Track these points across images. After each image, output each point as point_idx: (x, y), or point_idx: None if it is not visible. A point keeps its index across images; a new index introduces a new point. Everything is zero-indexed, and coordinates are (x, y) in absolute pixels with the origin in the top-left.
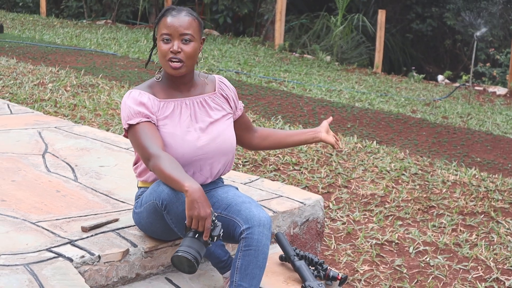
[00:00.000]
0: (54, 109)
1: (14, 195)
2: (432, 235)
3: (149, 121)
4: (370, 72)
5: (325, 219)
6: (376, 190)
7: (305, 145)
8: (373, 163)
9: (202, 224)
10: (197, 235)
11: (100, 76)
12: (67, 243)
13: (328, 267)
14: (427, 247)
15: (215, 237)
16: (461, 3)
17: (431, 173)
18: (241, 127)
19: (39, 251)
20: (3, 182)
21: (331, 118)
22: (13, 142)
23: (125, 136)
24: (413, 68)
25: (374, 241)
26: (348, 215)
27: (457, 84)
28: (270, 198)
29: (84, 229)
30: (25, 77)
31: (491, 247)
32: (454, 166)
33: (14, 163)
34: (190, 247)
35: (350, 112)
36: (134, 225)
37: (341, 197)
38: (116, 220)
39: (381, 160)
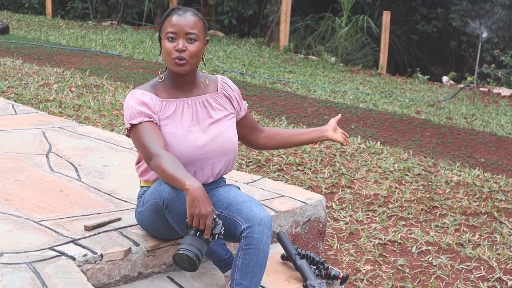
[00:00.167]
0: (59, 110)
1: (18, 194)
2: (435, 235)
3: (151, 121)
4: (374, 73)
5: (328, 219)
6: (379, 191)
7: (309, 145)
8: (376, 164)
9: (203, 222)
10: (198, 233)
11: (105, 77)
12: (69, 242)
13: (330, 266)
14: (429, 247)
15: (216, 235)
16: (467, 4)
17: (435, 173)
18: (246, 127)
19: (42, 249)
20: (7, 181)
21: (339, 115)
22: (17, 142)
23: (128, 135)
24: (418, 69)
25: (376, 241)
26: (351, 215)
27: (461, 85)
28: (272, 198)
29: (87, 228)
30: (30, 77)
31: (494, 247)
32: (457, 166)
33: (18, 163)
34: (192, 245)
35: (354, 113)
36: (137, 224)
37: (344, 197)
38: (119, 219)
39: (384, 160)
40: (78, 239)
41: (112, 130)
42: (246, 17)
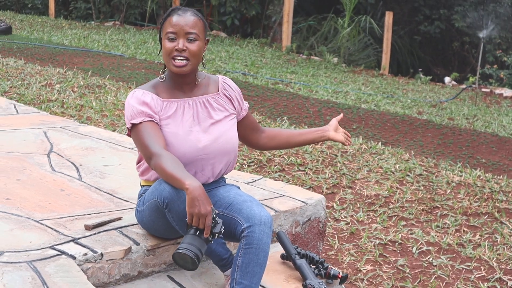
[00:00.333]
0: (61, 110)
1: (19, 194)
2: (435, 235)
3: (152, 121)
4: (377, 73)
5: (328, 218)
6: (381, 191)
7: (310, 146)
8: (378, 164)
9: (203, 221)
10: (198, 232)
11: (107, 77)
12: (70, 241)
13: (329, 266)
14: (430, 247)
15: (216, 234)
16: (469, 5)
17: (436, 174)
18: (247, 127)
19: (43, 248)
20: (8, 181)
21: (341, 115)
22: (19, 141)
23: (128, 135)
24: (420, 70)
25: (377, 241)
26: (352, 216)
27: (463, 86)
28: (273, 198)
29: (88, 227)
30: (33, 78)
31: (495, 247)
32: (459, 167)
33: (19, 162)
34: (191, 244)
35: (356, 114)
36: (137, 224)
37: (345, 198)
38: (119, 218)
39: (386, 161)
40: (79, 238)
41: (114, 130)
42: (249, 18)
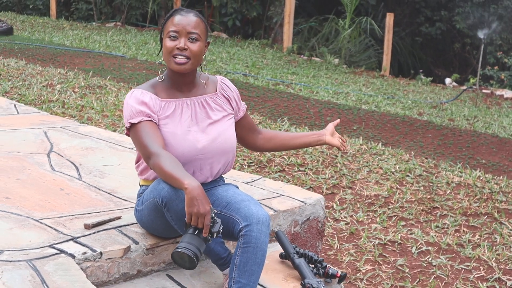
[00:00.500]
0: (62, 110)
1: (19, 193)
2: (435, 235)
3: (151, 120)
4: (377, 75)
5: (328, 218)
6: (380, 191)
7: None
8: (378, 165)
9: (202, 221)
10: (196, 231)
11: (108, 77)
12: (69, 239)
13: (328, 265)
14: (429, 247)
15: (215, 234)
16: (470, 6)
17: (436, 174)
18: (244, 127)
19: (42, 247)
20: (8, 180)
21: (338, 120)
22: (19, 141)
23: (127, 134)
24: (421, 71)
25: (377, 241)
26: (351, 216)
27: (464, 87)
28: (272, 197)
29: (87, 227)
30: (34, 78)
31: (494, 247)
32: (459, 167)
33: (19, 162)
34: (190, 243)
35: (356, 114)
36: (136, 223)
37: (345, 198)
38: (119, 217)
39: (386, 161)
40: (78, 237)
41: (114, 131)
42: (250, 19)
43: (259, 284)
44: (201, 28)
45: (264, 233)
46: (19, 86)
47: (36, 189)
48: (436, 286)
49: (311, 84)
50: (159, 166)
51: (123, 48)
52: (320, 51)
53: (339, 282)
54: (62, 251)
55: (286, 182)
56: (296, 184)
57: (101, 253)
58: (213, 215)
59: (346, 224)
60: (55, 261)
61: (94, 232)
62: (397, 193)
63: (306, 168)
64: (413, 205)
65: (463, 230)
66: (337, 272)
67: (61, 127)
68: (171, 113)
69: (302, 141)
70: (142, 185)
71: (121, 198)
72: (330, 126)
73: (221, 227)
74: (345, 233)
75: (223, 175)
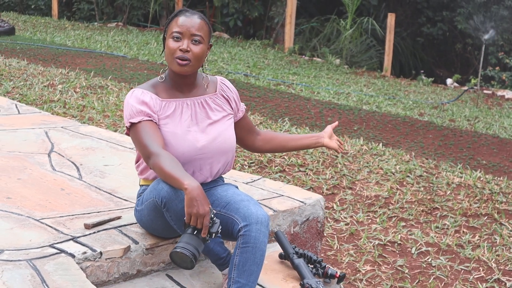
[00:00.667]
0: (63, 110)
1: (19, 193)
2: (434, 236)
3: (151, 120)
4: (379, 75)
5: (328, 218)
6: (381, 192)
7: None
8: (378, 165)
9: (201, 221)
10: (195, 231)
11: (109, 78)
12: (69, 239)
13: (327, 265)
14: (429, 248)
15: (214, 234)
16: (472, 7)
17: (436, 175)
18: (243, 128)
19: (42, 247)
20: (9, 180)
21: (336, 123)
22: (20, 141)
23: (127, 134)
24: (422, 71)
25: (376, 242)
26: (351, 216)
27: (465, 88)
28: (271, 198)
29: (87, 226)
30: (35, 78)
31: (494, 248)
32: (459, 168)
33: (20, 162)
34: (188, 244)
35: (357, 115)
36: (136, 223)
37: (345, 198)
38: (119, 217)
39: (386, 162)
40: (78, 237)
41: (115, 131)
42: (252, 19)
43: (258, 284)
44: (204, 31)
45: (263, 233)
46: (21, 86)
47: (36, 189)
48: (436, 287)
49: (312, 84)
50: (159, 166)
51: (124, 48)
52: (321, 52)
53: (338, 283)
54: (62, 251)
55: (287, 183)
56: (296, 185)
57: (101, 253)
58: (212, 215)
59: (346, 224)
60: (55, 260)
61: (94, 232)
62: (397, 193)
63: (306, 169)
64: (413, 206)
65: (463, 231)
66: (336, 272)
67: (62, 127)
68: (171, 113)
69: (300, 143)
70: (142, 185)
71: (121, 198)
72: (329, 128)
73: (220, 227)
74: (345, 234)
75: (223, 175)
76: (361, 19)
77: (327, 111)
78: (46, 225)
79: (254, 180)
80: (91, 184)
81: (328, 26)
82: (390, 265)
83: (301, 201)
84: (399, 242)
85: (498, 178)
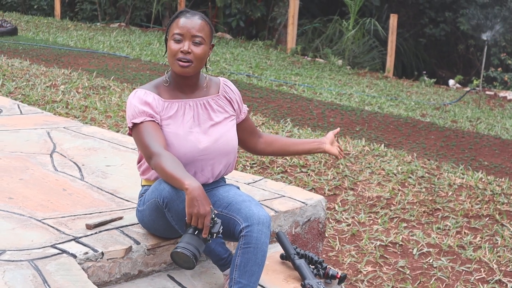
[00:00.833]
0: (66, 111)
1: (21, 193)
2: (436, 237)
3: (153, 121)
4: (381, 76)
5: (329, 219)
6: (382, 193)
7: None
8: (380, 166)
9: (202, 221)
10: (196, 232)
11: (112, 78)
12: (71, 240)
13: (328, 266)
14: (430, 249)
15: (215, 234)
16: (474, 8)
17: (438, 176)
18: (245, 130)
19: (44, 247)
20: (11, 180)
21: (338, 129)
22: (22, 141)
23: (129, 134)
24: (424, 72)
25: (378, 243)
26: (353, 217)
27: (468, 89)
28: (273, 198)
29: (89, 227)
30: (38, 78)
31: (495, 249)
32: (461, 169)
33: (22, 162)
34: (189, 244)
35: (359, 116)
36: (138, 223)
37: (347, 199)
38: (120, 218)
39: (388, 163)
40: (80, 237)
41: (117, 131)
42: (254, 20)
43: (259, 285)
44: (205, 31)
45: (264, 233)
46: (23, 86)
47: (38, 189)
48: None
49: (315, 85)
50: (160, 166)
51: (127, 48)
52: (324, 52)
53: (339, 283)
54: (64, 251)
55: (288, 183)
56: (298, 185)
57: (102, 253)
58: (213, 215)
59: (347, 225)
60: (57, 261)
61: (96, 232)
62: (399, 194)
63: (308, 169)
64: (414, 207)
65: (465, 232)
66: (337, 273)
67: (64, 127)
68: (174, 113)
69: (302, 148)
70: (144, 186)
71: (123, 199)
72: (330, 134)
73: (221, 227)
74: (346, 235)
75: (225, 176)
76: (364, 20)
77: (329, 112)
78: (48, 225)
79: (256, 181)
80: (93, 184)
81: (330, 27)
82: (392, 266)
83: (302, 202)
84: (400, 243)
85: (500, 179)
